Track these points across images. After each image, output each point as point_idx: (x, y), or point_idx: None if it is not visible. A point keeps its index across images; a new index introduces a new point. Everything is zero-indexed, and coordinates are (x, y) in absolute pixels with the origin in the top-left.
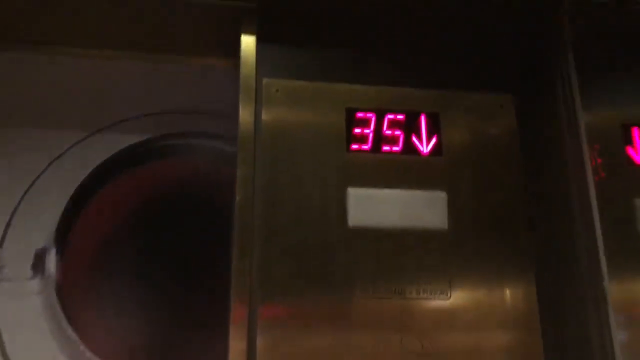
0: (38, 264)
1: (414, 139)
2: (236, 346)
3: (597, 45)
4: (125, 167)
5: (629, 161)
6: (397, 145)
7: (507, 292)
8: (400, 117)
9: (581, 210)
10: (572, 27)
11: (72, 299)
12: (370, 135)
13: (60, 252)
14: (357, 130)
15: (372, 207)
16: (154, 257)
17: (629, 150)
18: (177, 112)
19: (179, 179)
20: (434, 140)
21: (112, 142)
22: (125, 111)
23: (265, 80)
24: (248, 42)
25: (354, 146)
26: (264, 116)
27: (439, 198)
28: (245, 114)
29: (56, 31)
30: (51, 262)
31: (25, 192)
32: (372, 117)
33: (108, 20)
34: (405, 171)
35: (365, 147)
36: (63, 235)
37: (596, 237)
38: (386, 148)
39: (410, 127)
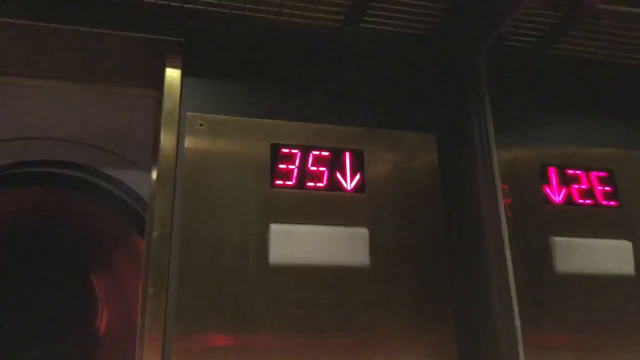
0: None
1: (339, 175)
2: None
3: (517, 89)
4: None
5: (546, 200)
6: (322, 182)
7: (427, 328)
8: (325, 153)
9: (495, 247)
10: (491, 70)
11: None
12: (295, 171)
13: None
14: (282, 166)
15: (294, 243)
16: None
17: (546, 189)
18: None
19: (32, 207)
20: (357, 177)
21: None
22: None
23: (189, 114)
24: (173, 75)
25: (278, 182)
26: (186, 151)
27: (361, 234)
28: (166, 149)
29: None
30: None
31: None
32: (297, 153)
33: (34, 49)
34: (329, 208)
35: (289, 182)
36: None
37: (508, 275)
38: (310, 184)
39: (335, 163)
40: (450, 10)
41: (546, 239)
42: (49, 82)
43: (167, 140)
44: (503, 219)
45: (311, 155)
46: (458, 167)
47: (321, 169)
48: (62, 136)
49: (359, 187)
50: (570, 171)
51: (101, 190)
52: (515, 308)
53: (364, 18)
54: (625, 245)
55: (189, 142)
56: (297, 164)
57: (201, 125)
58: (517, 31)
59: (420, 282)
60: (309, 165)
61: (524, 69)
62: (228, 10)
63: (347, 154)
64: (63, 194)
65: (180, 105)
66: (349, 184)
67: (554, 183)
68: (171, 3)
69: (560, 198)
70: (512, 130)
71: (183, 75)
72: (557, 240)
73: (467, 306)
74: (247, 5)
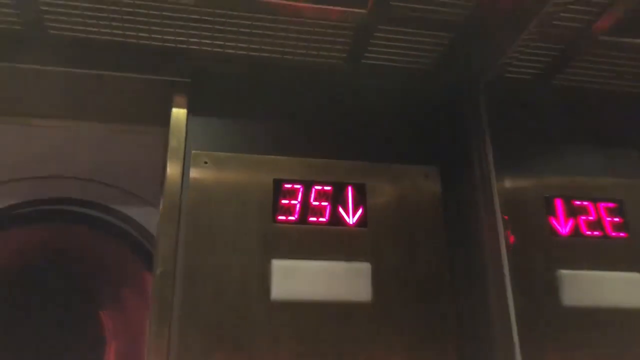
0: None
1: (341, 210)
2: None
3: (522, 120)
4: None
5: (552, 232)
6: (324, 217)
7: None
8: (327, 188)
9: (495, 280)
10: (495, 101)
11: None
12: (298, 206)
13: None
14: (285, 201)
15: (296, 279)
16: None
17: (552, 221)
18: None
19: (43, 245)
20: (360, 212)
21: None
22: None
23: (194, 152)
24: (179, 114)
25: (281, 217)
26: (191, 188)
27: (363, 269)
28: (171, 186)
29: None
30: None
31: None
32: (299, 188)
33: (47, 92)
34: (331, 242)
35: (291, 218)
36: None
37: (508, 308)
38: (313, 219)
39: (337, 198)
40: (449, 45)
41: (553, 271)
42: (61, 122)
43: (172, 177)
44: (504, 251)
45: (313, 190)
46: (460, 200)
47: (323, 203)
48: (72, 174)
49: (361, 222)
50: (577, 202)
51: (111, 227)
52: (516, 342)
53: (365, 54)
54: (636, 278)
55: (193, 179)
56: (299, 199)
57: (206, 162)
58: (519, 63)
59: (424, 316)
60: (311, 200)
61: (528, 100)
62: (233, 51)
63: (350, 188)
64: (73, 231)
65: (185, 144)
66: (351, 218)
67: (560, 214)
68: (178, 45)
69: (567, 230)
70: (516, 162)
71: (189, 114)
72: (564, 273)
73: (470, 340)
74: (251, 46)
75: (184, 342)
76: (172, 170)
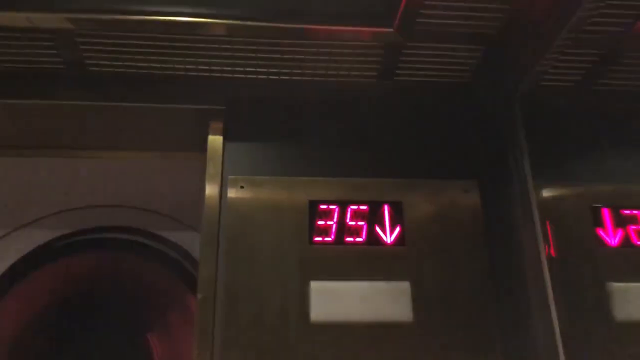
0: None
1: (378, 229)
2: None
3: (564, 128)
4: (42, 263)
5: (600, 243)
6: (361, 236)
7: None
8: (363, 207)
9: (538, 296)
10: (535, 110)
11: None
12: (334, 226)
13: None
14: (321, 222)
15: (335, 300)
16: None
17: (600, 232)
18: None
19: (94, 273)
20: (397, 230)
21: (29, 238)
22: (45, 208)
23: (230, 177)
24: (215, 141)
25: (317, 238)
26: (229, 213)
27: (403, 289)
28: (209, 211)
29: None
30: None
31: None
32: (335, 208)
33: (92, 125)
34: (369, 262)
35: (328, 239)
36: None
37: (553, 325)
38: (349, 239)
39: (374, 217)
40: (482, 57)
41: (602, 285)
42: (105, 153)
43: (210, 202)
44: (545, 265)
45: (349, 209)
46: (500, 214)
47: (360, 223)
48: (117, 203)
49: (399, 240)
50: (626, 211)
51: (157, 253)
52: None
53: (397, 72)
54: None
55: (230, 204)
56: (335, 219)
57: (242, 187)
58: (557, 71)
59: (467, 335)
60: (348, 220)
61: (570, 108)
62: (265, 76)
63: (386, 207)
64: (120, 258)
65: (222, 169)
66: (388, 237)
67: (609, 225)
68: (212, 74)
69: (616, 240)
70: (560, 172)
71: (225, 140)
72: (615, 285)
73: (515, 358)
74: (282, 70)
75: None
76: (210, 195)
